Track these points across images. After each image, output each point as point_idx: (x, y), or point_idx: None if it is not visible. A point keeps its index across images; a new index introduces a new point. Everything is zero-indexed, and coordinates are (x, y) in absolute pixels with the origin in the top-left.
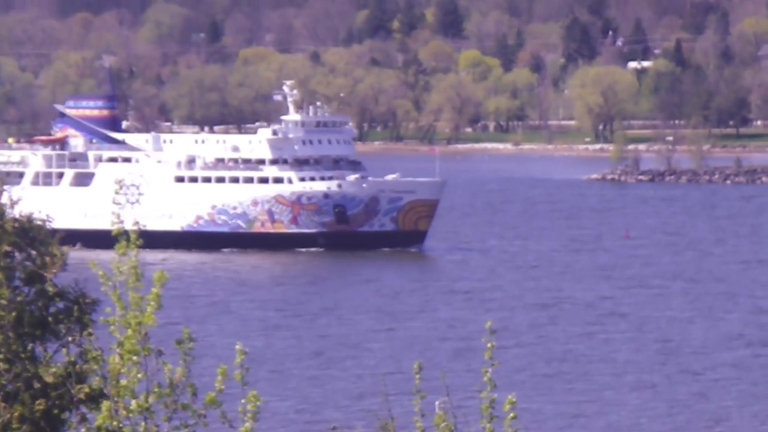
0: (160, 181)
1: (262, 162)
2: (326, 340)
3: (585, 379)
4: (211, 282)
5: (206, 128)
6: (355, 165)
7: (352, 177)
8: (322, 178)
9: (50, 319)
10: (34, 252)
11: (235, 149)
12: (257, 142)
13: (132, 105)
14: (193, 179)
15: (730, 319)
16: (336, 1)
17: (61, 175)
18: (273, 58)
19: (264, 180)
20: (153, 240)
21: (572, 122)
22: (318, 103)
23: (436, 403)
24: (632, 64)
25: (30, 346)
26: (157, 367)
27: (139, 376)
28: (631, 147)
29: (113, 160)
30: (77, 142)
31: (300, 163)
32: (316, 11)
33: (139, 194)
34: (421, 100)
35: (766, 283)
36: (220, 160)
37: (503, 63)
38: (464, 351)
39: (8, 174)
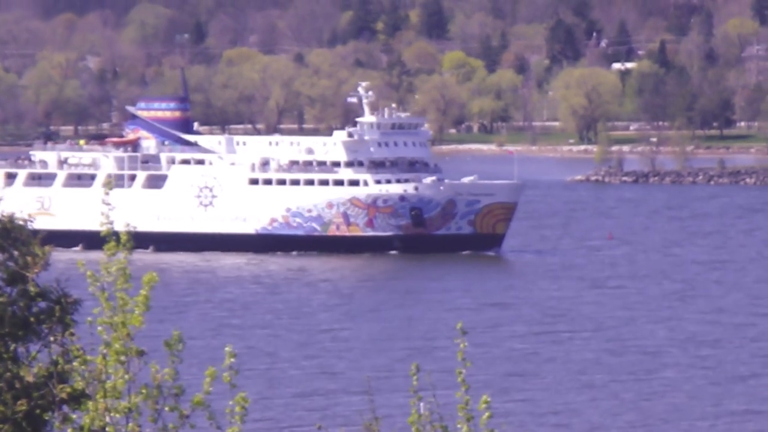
0: (234, 183)
1: (337, 164)
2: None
3: (538, 378)
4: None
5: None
6: (431, 167)
7: (429, 179)
8: (398, 181)
9: (32, 319)
10: (16, 252)
11: (310, 151)
12: (332, 145)
13: (116, 106)
14: (268, 182)
15: (687, 319)
16: (320, 2)
17: (133, 178)
18: (257, 59)
19: (339, 182)
20: (226, 243)
21: (556, 123)
22: (393, 105)
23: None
24: (616, 66)
25: (12, 346)
26: (139, 367)
27: (126, 377)
28: (615, 148)
29: (186, 162)
30: (149, 143)
31: (375, 166)
32: (300, 12)
33: (213, 197)
34: (405, 101)
35: (727, 283)
36: (295, 163)
37: (487, 64)
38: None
39: (80, 176)
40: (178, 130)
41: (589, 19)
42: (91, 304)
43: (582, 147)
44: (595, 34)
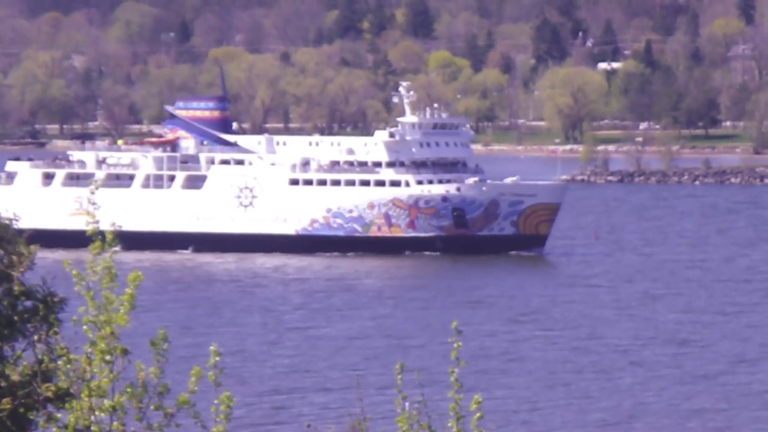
0: (274, 183)
1: (378, 164)
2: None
3: (506, 375)
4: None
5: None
6: (472, 167)
7: (471, 180)
8: (440, 181)
9: (16, 318)
10: (1, 251)
11: (351, 152)
12: (373, 145)
13: (101, 104)
14: (308, 182)
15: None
16: (306, 1)
17: (172, 178)
18: (243, 58)
19: (381, 183)
20: (266, 244)
21: (542, 123)
22: (435, 105)
23: (406, 403)
24: (602, 65)
25: None
26: (124, 365)
27: (111, 375)
28: (600, 148)
29: (225, 162)
30: (188, 144)
31: (417, 166)
32: (286, 11)
33: (253, 197)
34: (391, 100)
35: (699, 282)
36: (335, 163)
37: (473, 64)
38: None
39: (118, 176)
40: (217, 130)
41: (575, 19)
42: (78, 303)
43: (568, 146)
44: (580, 33)
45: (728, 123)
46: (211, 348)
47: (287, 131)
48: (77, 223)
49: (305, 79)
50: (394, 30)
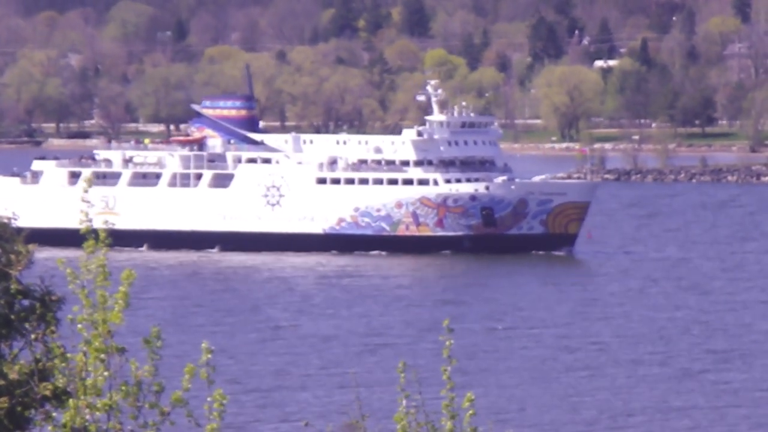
0: (302, 182)
1: (406, 163)
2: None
3: (489, 373)
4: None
5: (171, 126)
6: (501, 166)
7: (500, 179)
8: (469, 180)
9: (13, 317)
10: None
11: (378, 150)
12: (401, 143)
13: (97, 103)
14: (336, 181)
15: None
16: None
17: (199, 177)
18: (239, 56)
19: (408, 182)
20: (294, 243)
21: (538, 121)
22: (463, 103)
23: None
24: (598, 64)
25: None
26: (120, 364)
27: (106, 374)
28: (596, 146)
29: (252, 161)
30: (215, 142)
31: (445, 165)
32: (281, 10)
33: (280, 196)
34: (387, 99)
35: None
36: (363, 162)
37: (469, 62)
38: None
39: (145, 175)
40: (244, 129)
41: (571, 17)
42: (76, 302)
43: (564, 145)
44: (577, 31)
45: (724, 121)
46: (203, 345)
47: (283, 130)
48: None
49: (301, 78)
50: (390, 28)
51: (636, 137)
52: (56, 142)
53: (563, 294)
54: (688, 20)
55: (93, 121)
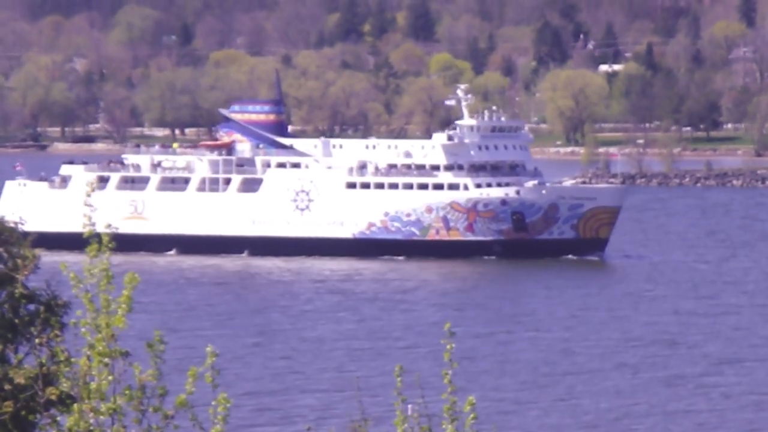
0: (331, 187)
1: (436, 168)
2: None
3: (488, 375)
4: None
5: (177, 131)
6: (531, 171)
7: (531, 183)
8: (499, 185)
9: (17, 321)
10: (5, 254)
11: (408, 155)
12: (431, 148)
13: (102, 107)
14: (365, 185)
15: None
16: (307, 3)
17: (228, 181)
18: (244, 60)
19: (439, 186)
20: (323, 248)
21: (544, 125)
22: (494, 108)
23: (409, 406)
24: (603, 68)
25: (0, 348)
26: (123, 368)
27: (110, 378)
28: (602, 150)
29: (282, 165)
30: (244, 147)
31: (476, 169)
32: (287, 14)
33: (309, 201)
34: (392, 103)
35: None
36: (393, 166)
37: (474, 66)
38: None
39: (173, 180)
40: (272, 133)
41: (576, 21)
42: (81, 307)
43: (569, 149)
44: (582, 36)
45: (730, 125)
46: (208, 349)
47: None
48: (132, 227)
49: (306, 82)
50: (396, 33)
51: (641, 141)
52: (61, 147)
53: (572, 297)
54: (694, 24)
55: (98, 126)
